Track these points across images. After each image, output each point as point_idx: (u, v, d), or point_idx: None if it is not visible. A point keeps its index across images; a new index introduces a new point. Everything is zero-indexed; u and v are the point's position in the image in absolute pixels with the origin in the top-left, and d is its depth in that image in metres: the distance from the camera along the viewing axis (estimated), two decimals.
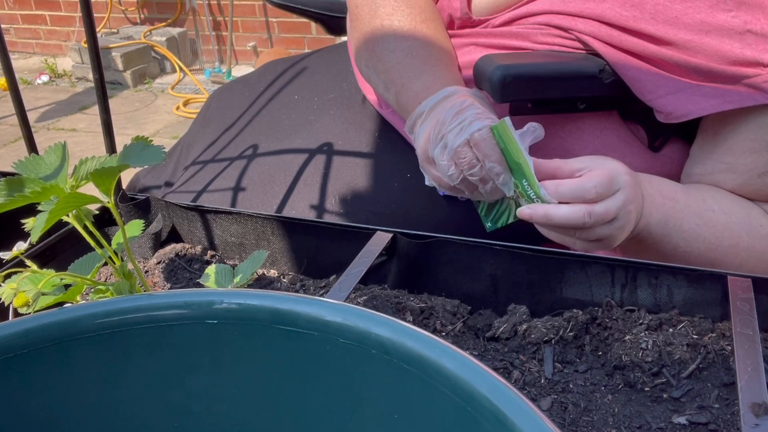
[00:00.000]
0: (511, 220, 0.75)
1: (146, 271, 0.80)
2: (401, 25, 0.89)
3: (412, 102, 0.83)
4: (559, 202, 0.69)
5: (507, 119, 0.70)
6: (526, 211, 0.70)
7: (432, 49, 0.88)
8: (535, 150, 0.89)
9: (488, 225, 0.78)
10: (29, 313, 0.53)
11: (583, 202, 0.68)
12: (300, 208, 0.93)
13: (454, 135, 0.73)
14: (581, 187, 0.68)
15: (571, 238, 0.71)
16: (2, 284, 0.56)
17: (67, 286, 0.59)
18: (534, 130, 0.72)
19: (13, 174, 0.56)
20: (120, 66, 4.11)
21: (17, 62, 4.60)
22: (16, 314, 0.59)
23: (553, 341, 0.63)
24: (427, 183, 0.82)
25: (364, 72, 0.95)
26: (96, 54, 0.77)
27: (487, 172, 0.72)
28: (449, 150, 0.73)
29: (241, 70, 4.10)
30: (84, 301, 0.50)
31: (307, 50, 3.61)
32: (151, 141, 0.54)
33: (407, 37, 0.89)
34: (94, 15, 0.77)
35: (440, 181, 0.78)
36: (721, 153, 0.79)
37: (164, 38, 4.24)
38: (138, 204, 0.86)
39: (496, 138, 0.71)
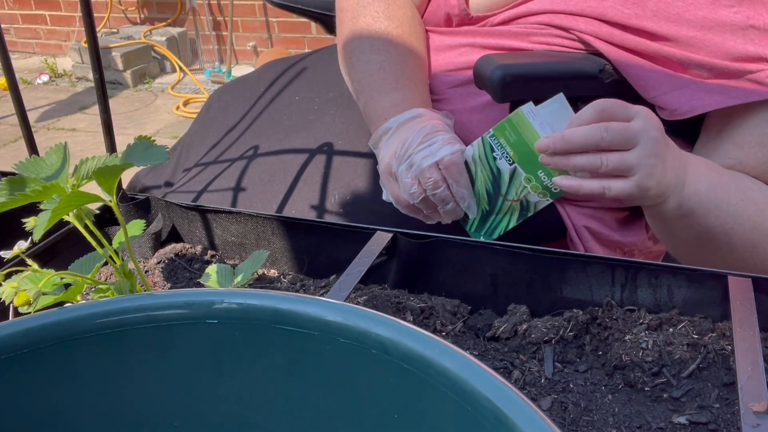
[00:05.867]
0: (512, 225, 0.76)
1: (146, 271, 0.80)
2: (378, 37, 0.91)
3: (378, 117, 0.85)
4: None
5: (525, 107, 0.70)
6: (543, 142, 0.69)
7: (405, 67, 0.89)
8: None
9: (482, 238, 0.79)
10: (30, 313, 0.53)
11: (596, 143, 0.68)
12: (300, 208, 0.93)
13: (422, 156, 0.76)
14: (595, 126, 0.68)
15: (596, 171, 0.69)
16: (3, 283, 0.56)
17: (67, 286, 0.59)
18: (558, 100, 0.72)
19: (13, 174, 0.56)
20: (120, 66, 4.11)
21: (17, 62, 4.60)
22: (17, 313, 0.59)
23: (553, 341, 0.63)
24: (384, 198, 0.83)
25: (344, 76, 0.97)
26: (96, 54, 0.77)
27: (452, 193, 0.75)
28: (415, 169, 0.76)
29: (241, 70, 4.10)
30: (84, 301, 0.50)
31: (307, 50, 3.61)
32: (154, 141, 0.54)
33: (382, 50, 0.90)
34: (94, 15, 0.77)
35: (398, 198, 0.81)
36: (727, 149, 0.79)
37: (164, 38, 4.23)
38: (138, 204, 0.86)
39: (506, 133, 0.72)
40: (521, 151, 0.72)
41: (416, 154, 0.76)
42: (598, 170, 0.69)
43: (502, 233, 0.79)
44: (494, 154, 0.73)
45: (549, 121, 0.71)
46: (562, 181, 0.70)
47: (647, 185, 0.68)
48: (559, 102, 0.71)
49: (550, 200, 0.75)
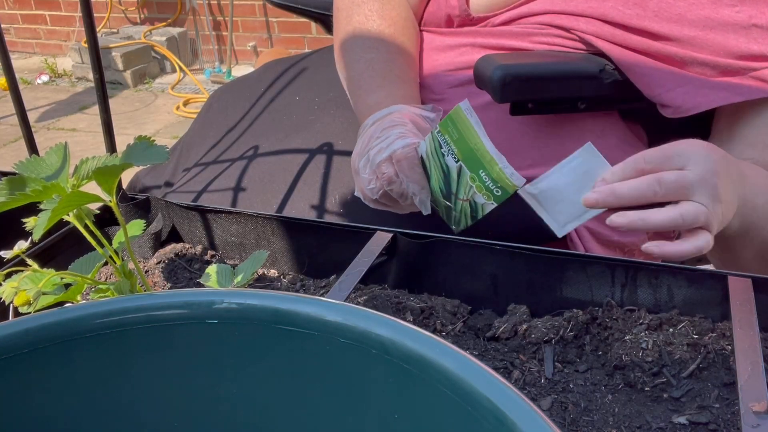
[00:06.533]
0: (470, 223, 0.75)
1: (146, 271, 0.80)
2: (369, 36, 0.91)
3: (365, 114, 0.86)
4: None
5: (463, 104, 0.68)
6: (591, 197, 0.62)
7: (393, 65, 0.89)
8: (535, 150, 0.88)
9: (453, 228, 0.78)
10: (30, 313, 0.53)
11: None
12: (300, 208, 0.93)
13: (376, 151, 0.75)
14: (634, 160, 0.62)
15: (669, 232, 0.63)
16: (3, 283, 0.56)
17: (67, 286, 0.59)
18: (587, 150, 0.65)
19: (13, 174, 0.56)
20: (120, 66, 4.11)
21: (17, 62, 4.60)
22: (17, 313, 0.59)
23: (553, 341, 0.63)
24: (355, 194, 0.83)
25: (339, 75, 0.98)
26: (96, 54, 0.77)
27: (406, 189, 0.74)
28: (371, 164, 0.75)
29: (241, 70, 4.10)
30: (84, 301, 0.50)
31: (307, 50, 3.61)
32: (154, 141, 0.54)
33: (372, 48, 0.91)
34: (94, 15, 0.77)
35: (363, 193, 0.80)
36: (740, 149, 0.79)
37: (164, 38, 4.24)
38: (138, 204, 0.86)
39: (449, 130, 0.70)
40: (463, 148, 0.69)
41: (372, 149, 0.76)
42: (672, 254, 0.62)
43: (467, 227, 0.77)
44: (442, 150, 0.71)
45: (580, 174, 0.64)
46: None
47: (715, 229, 0.63)
48: (588, 152, 0.64)
49: (495, 204, 0.71)
